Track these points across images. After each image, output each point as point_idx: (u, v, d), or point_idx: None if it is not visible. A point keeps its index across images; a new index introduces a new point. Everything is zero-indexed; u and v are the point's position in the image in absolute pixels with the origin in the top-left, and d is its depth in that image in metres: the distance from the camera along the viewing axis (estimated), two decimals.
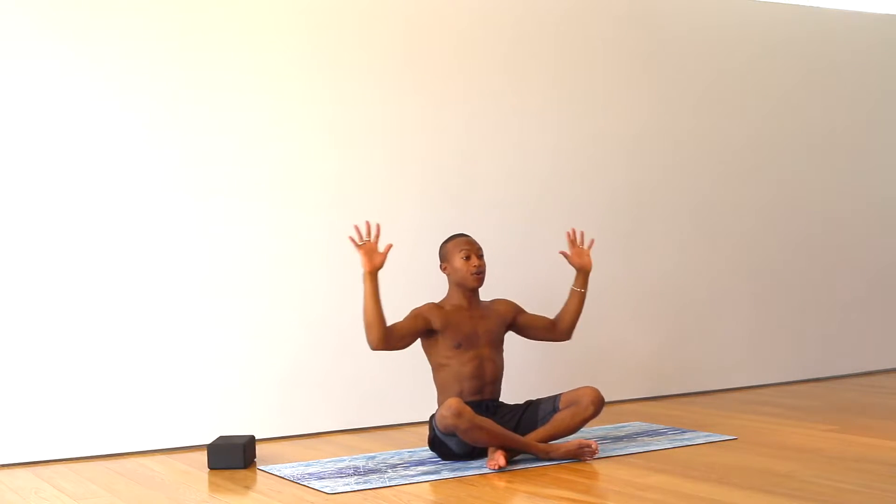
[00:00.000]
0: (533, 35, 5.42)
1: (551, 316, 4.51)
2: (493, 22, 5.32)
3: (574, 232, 4.50)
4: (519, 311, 4.47)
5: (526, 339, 4.56)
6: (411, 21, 5.14)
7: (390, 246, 4.19)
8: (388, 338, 4.15)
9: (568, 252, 4.48)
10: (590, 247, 4.51)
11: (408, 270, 4.92)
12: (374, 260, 4.15)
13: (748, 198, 5.97)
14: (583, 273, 4.47)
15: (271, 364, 4.80)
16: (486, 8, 5.31)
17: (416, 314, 4.28)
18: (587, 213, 5.40)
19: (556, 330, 4.50)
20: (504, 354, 4.41)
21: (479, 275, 4.30)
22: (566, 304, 4.49)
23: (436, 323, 4.27)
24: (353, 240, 4.16)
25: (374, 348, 4.16)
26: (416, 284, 4.79)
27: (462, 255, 4.30)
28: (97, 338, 4.49)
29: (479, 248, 4.35)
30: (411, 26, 5.14)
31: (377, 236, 4.19)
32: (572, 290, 4.48)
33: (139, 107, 4.57)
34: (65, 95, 4.46)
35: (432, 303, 4.33)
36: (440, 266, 4.39)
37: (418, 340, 4.33)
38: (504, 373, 4.40)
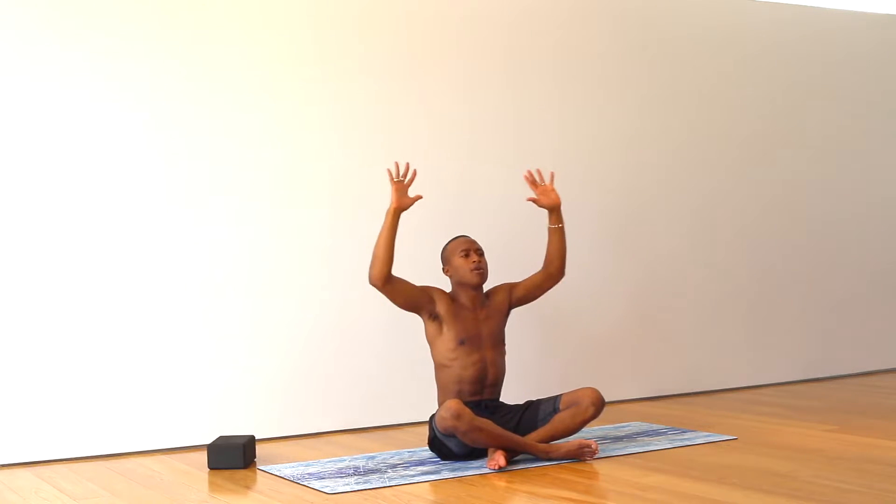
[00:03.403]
0: (533, 34, 5.42)
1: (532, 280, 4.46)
2: (493, 21, 5.32)
3: (531, 172, 4.46)
4: (512, 287, 4.44)
5: (533, 302, 4.50)
6: (412, 21, 5.14)
7: (420, 196, 4.24)
8: (389, 280, 4.17)
9: (534, 196, 4.43)
10: (552, 180, 4.46)
11: (407, 271, 4.91)
12: (402, 199, 4.20)
13: (748, 198, 5.97)
14: (555, 210, 4.41)
15: (271, 364, 4.79)
16: (486, 7, 5.31)
17: (424, 287, 4.29)
18: (587, 211, 5.40)
19: (550, 275, 4.45)
20: (505, 356, 4.41)
21: (480, 270, 4.29)
22: (550, 245, 4.43)
23: (440, 306, 4.27)
24: (389, 172, 4.21)
25: (373, 283, 4.18)
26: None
27: (461, 253, 4.30)
28: (97, 338, 4.49)
29: (479, 247, 4.35)
30: (412, 26, 5.14)
31: (411, 180, 4.25)
32: (551, 229, 4.42)
33: (139, 107, 4.57)
34: (64, 96, 4.45)
35: (444, 290, 4.33)
36: (443, 269, 4.38)
37: (422, 331, 4.34)
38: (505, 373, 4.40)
